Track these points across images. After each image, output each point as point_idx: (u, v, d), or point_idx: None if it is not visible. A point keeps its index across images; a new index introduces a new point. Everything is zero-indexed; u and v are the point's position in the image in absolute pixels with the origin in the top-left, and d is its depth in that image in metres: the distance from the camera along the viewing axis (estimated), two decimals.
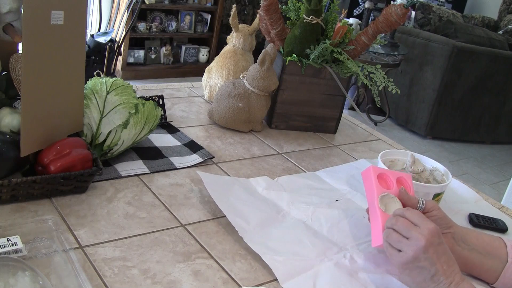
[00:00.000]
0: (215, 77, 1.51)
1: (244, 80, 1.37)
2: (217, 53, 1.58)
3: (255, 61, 1.37)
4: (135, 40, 4.52)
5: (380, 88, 1.39)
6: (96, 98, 1.08)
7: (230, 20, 1.52)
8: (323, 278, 0.87)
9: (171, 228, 0.95)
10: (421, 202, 0.91)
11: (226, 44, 1.56)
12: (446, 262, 0.80)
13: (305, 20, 1.36)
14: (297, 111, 1.47)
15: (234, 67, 1.50)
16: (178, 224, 0.96)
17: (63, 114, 1.01)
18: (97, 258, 0.83)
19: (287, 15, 1.45)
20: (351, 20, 4.22)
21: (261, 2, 1.36)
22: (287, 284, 0.84)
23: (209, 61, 4.64)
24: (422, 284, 0.81)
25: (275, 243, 0.93)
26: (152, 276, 0.82)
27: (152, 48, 4.61)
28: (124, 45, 4.09)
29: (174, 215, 0.98)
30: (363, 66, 1.44)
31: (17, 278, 0.72)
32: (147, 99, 1.26)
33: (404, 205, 0.92)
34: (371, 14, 4.48)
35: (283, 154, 1.33)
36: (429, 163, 1.20)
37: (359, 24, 4.21)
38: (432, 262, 0.80)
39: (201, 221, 0.98)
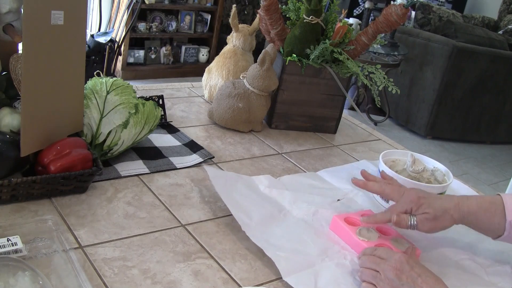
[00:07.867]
0: (215, 77, 1.51)
1: (244, 80, 1.37)
2: (217, 53, 1.58)
3: (255, 61, 1.37)
4: (135, 40, 4.52)
5: (380, 88, 1.39)
6: (96, 98, 1.08)
7: (230, 20, 1.51)
8: (324, 276, 0.87)
9: (171, 228, 0.95)
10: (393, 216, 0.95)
11: (226, 44, 1.56)
12: (425, 282, 0.81)
13: (305, 20, 1.36)
14: (297, 111, 1.47)
15: (234, 67, 1.50)
16: (178, 224, 0.96)
17: (63, 114, 1.01)
18: (97, 258, 0.83)
19: (287, 15, 1.45)
20: (351, 20, 4.22)
21: (261, 2, 1.36)
22: (289, 279, 0.84)
23: (209, 61, 4.64)
24: None
25: (277, 241, 0.93)
26: (152, 276, 0.82)
27: (152, 48, 4.61)
28: (124, 45, 4.09)
29: (174, 215, 0.98)
30: (363, 66, 1.44)
31: (17, 278, 0.72)
32: (147, 99, 1.26)
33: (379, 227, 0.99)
34: (371, 14, 4.48)
35: (283, 154, 1.33)
36: (431, 163, 1.20)
37: (359, 24, 4.21)
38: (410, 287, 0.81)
39: (201, 221, 0.98)
